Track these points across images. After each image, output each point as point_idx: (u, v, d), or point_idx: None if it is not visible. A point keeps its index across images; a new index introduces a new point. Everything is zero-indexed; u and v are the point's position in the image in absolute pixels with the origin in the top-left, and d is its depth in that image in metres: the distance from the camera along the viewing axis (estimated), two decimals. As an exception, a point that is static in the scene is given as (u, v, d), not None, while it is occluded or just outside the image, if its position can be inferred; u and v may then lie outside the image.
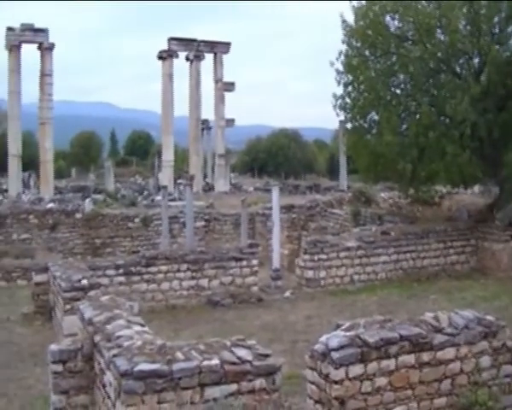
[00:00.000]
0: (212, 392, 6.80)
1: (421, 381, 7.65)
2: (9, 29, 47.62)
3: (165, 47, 54.85)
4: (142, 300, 16.32)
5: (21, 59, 48.52)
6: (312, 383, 7.54)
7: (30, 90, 52.80)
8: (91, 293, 11.68)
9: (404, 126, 23.28)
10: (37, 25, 48.93)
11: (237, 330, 11.23)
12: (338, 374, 7.11)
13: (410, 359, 7.56)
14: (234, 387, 6.89)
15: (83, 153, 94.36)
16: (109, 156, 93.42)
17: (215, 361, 6.87)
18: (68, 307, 12.93)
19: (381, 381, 7.40)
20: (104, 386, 7.66)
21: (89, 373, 8.47)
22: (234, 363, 6.94)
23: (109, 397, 7.33)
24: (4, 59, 48.37)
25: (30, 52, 49.68)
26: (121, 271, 17.13)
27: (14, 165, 47.98)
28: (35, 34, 48.28)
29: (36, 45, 48.82)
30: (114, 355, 7.09)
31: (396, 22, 23.03)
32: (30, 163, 58.45)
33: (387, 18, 22.95)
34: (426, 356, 7.66)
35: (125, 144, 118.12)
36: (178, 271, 17.74)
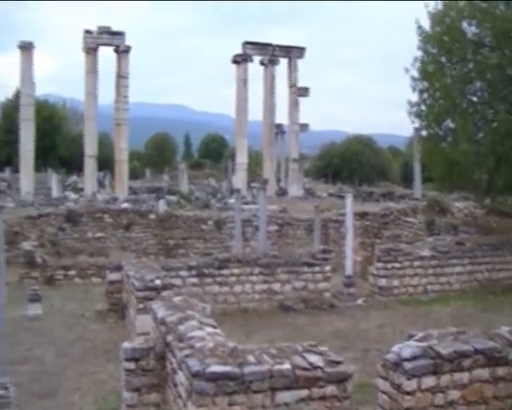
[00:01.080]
0: (283, 397, 6.76)
1: (495, 396, 7.44)
2: (87, 32, 48.54)
3: (241, 51, 55.07)
4: (215, 302, 16.40)
5: (98, 61, 49.37)
6: (384, 392, 7.44)
7: (106, 92, 53.72)
8: (164, 293, 11.76)
9: (481, 135, 22.87)
10: (115, 27, 49.83)
11: (309, 336, 11.16)
12: (410, 385, 7.00)
13: (483, 373, 7.38)
14: (305, 392, 6.83)
15: (157, 154, 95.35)
16: (183, 158, 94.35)
17: (286, 366, 6.83)
18: (141, 306, 13.09)
19: (454, 394, 7.24)
20: (175, 385, 7.71)
21: (160, 372, 8.54)
22: (305, 369, 6.89)
23: (180, 397, 7.37)
24: (82, 61, 49.30)
25: (107, 54, 50.56)
26: (194, 272, 17.26)
27: (89, 165, 48.83)
28: (112, 37, 49.08)
29: (112, 48, 49.62)
30: (186, 356, 7.13)
31: (473, 28, 22.60)
32: (105, 163, 59.36)
33: (464, 24, 22.54)
34: (501, 371, 7.46)
35: (199, 147, 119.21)
36: (251, 274, 17.78)
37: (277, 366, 6.80)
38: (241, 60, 54.83)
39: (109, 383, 11.50)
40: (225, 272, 17.56)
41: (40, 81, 56.94)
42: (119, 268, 17.14)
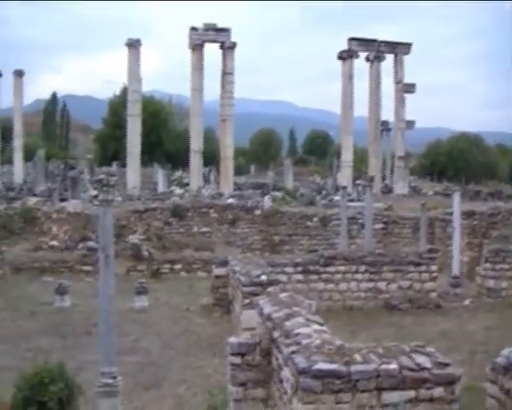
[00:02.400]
0: (389, 397, 6.67)
1: None
2: (193, 29, 49.16)
3: (346, 47, 54.77)
4: (320, 299, 16.41)
5: (204, 57, 49.95)
6: (492, 397, 7.27)
7: (212, 88, 54.28)
8: (270, 289, 11.80)
9: None
10: (220, 24, 50.22)
11: (414, 336, 11.01)
12: (521, 391, 6.83)
13: None
14: (412, 394, 6.72)
15: (262, 150, 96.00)
16: (288, 155, 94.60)
17: (393, 366, 6.74)
18: (247, 301, 13.18)
19: None
20: (281, 381, 7.72)
21: (266, 368, 8.58)
22: (412, 369, 6.78)
23: (286, 393, 7.38)
24: (188, 58, 49.96)
25: (212, 51, 51.06)
26: (299, 269, 17.32)
27: (195, 160, 49.46)
28: (217, 34, 49.56)
29: (218, 44, 50.10)
30: (293, 352, 7.13)
31: None
32: (210, 159, 60.14)
33: None
34: None
35: (304, 143, 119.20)
36: (356, 272, 17.71)
37: (384, 366, 6.72)
38: (346, 56, 54.54)
39: (214, 376, 11.65)
40: (331, 269, 17.55)
41: (146, 77, 57.97)
42: (224, 263, 17.32)
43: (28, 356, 13.36)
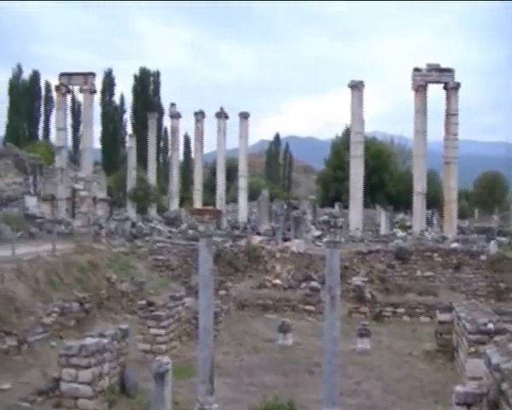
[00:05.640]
0: None
1: None
2: (416, 70, 48.85)
3: None
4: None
5: (427, 99, 49.50)
6: None
7: (435, 129, 53.55)
8: (497, 338, 11.42)
9: None
10: (443, 64, 49.60)
11: None
12: None
13: None
14: None
15: (486, 193, 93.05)
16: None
17: None
18: (473, 349, 12.86)
19: None
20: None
21: (494, 420, 8.31)
22: None
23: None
24: (409, 99, 49.73)
25: (435, 92, 50.48)
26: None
27: (418, 202, 48.84)
28: (440, 74, 48.88)
29: (441, 85, 49.48)
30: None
31: None
32: (433, 201, 59.13)
33: None
34: None
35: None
36: None
37: None
38: None
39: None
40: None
41: (368, 119, 58.39)
42: (449, 309, 16.99)
43: (251, 390, 13.79)
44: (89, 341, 12.46)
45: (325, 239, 10.03)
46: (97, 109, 76.63)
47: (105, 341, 12.92)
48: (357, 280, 25.67)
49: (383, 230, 46.68)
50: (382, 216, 49.18)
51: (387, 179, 78.00)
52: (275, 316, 22.95)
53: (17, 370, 14.91)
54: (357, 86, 49.48)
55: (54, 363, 13.63)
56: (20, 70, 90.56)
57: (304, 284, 25.93)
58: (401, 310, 23.79)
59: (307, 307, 24.18)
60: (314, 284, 25.29)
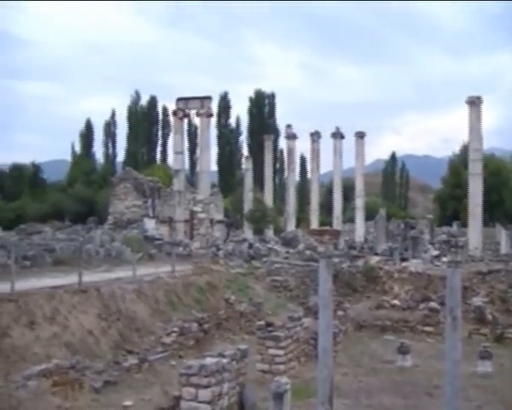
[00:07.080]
0: None
1: None
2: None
3: None
4: None
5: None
6: None
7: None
8: None
9: None
10: None
11: None
12: None
13: None
14: None
15: None
16: None
17: None
18: None
19: None
20: None
21: None
22: None
23: None
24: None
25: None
26: None
27: None
28: None
29: None
30: None
31: None
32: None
33: None
34: None
35: None
36: None
37: None
38: None
39: None
40: None
41: (485, 134, 56.90)
42: None
43: (370, 412, 13.80)
44: (209, 360, 12.77)
45: (446, 259, 10.03)
46: (213, 132, 78.25)
47: (224, 361, 13.23)
48: (477, 301, 25.19)
49: (503, 249, 45.54)
50: (502, 235, 48.00)
51: (507, 197, 76.08)
52: (393, 337, 22.78)
53: (138, 387, 15.42)
54: (474, 102, 48.76)
55: (174, 382, 14.09)
56: (138, 96, 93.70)
57: (422, 305, 25.64)
58: (524, 332, 23.21)
59: (426, 329, 23.91)
60: (433, 304, 24.98)
